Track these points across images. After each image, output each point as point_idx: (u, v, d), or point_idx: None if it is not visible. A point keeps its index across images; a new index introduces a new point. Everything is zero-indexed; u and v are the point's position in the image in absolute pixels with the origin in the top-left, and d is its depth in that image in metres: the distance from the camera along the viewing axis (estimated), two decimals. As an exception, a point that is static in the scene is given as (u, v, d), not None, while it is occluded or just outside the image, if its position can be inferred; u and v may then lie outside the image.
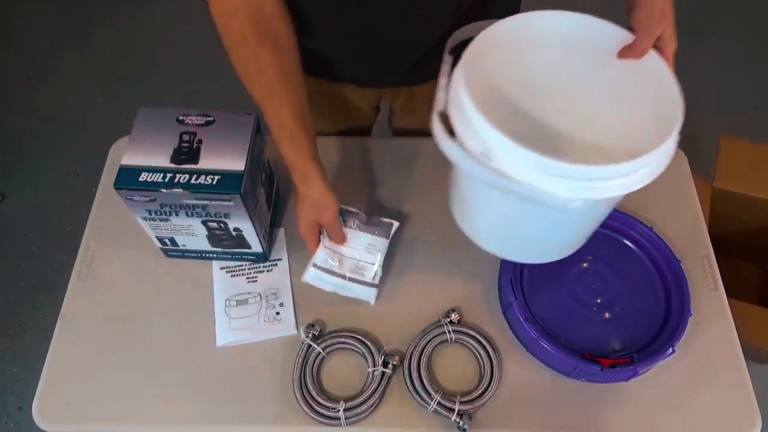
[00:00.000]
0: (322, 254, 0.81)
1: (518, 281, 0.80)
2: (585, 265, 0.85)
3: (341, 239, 0.78)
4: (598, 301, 0.82)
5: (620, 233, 0.88)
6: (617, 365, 0.73)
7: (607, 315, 0.81)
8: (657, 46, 0.65)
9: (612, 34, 0.66)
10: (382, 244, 0.83)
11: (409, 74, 0.88)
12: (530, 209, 0.62)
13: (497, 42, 0.63)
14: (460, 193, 0.71)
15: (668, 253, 0.83)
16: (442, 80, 0.62)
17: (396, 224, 0.85)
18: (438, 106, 0.60)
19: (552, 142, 0.70)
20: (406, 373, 0.75)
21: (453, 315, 0.79)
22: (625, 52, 0.66)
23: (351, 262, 0.81)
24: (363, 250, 0.83)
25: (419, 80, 0.91)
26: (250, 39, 0.63)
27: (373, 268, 0.82)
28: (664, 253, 0.84)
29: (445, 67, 0.63)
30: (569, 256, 0.78)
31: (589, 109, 0.70)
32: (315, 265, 0.80)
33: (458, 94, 0.58)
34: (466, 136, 0.57)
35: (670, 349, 0.74)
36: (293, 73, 0.67)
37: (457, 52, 0.63)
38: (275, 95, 0.65)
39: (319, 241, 0.79)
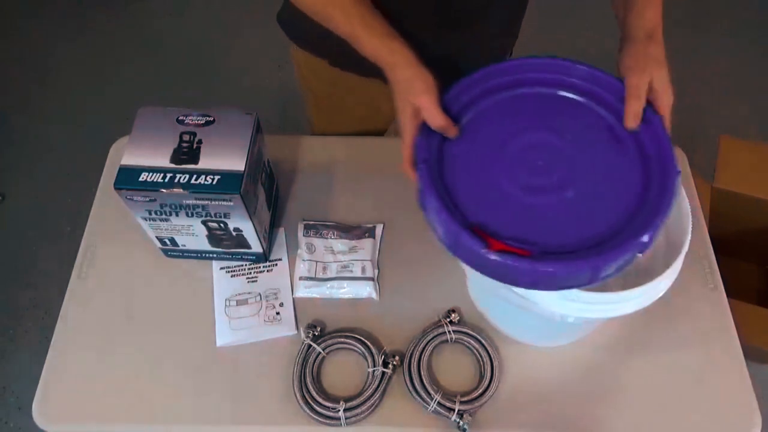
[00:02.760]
0: (303, 266, 0.84)
1: (436, 164, 0.63)
2: (527, 138, 0.64)
3: (439, 121, 0.62)
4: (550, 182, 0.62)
5: (582, 92, 0.66)
6: (510, 253, 0.54)
7: (559, 199, 0.61)
8: (649, 98, 0.60)
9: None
10: (368, 244, 0.85)
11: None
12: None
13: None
14: (476, 288, 0.81)
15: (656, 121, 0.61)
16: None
17: (380, 226, 0.86)
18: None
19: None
20: (406, 373, 0.75)
21: (453, 315, 0.79)
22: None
23: (335, 265, 0.84)
24: (348, 252, 0.84)
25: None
26: None
27: (360, 264, 0.82)
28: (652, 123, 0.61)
29: None
30: (506, 125, 0.65)
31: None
32: (300, 278, 0.83)
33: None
34: None
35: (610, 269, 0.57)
36: None
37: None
38: None
39: (416, 132, 0.64)
